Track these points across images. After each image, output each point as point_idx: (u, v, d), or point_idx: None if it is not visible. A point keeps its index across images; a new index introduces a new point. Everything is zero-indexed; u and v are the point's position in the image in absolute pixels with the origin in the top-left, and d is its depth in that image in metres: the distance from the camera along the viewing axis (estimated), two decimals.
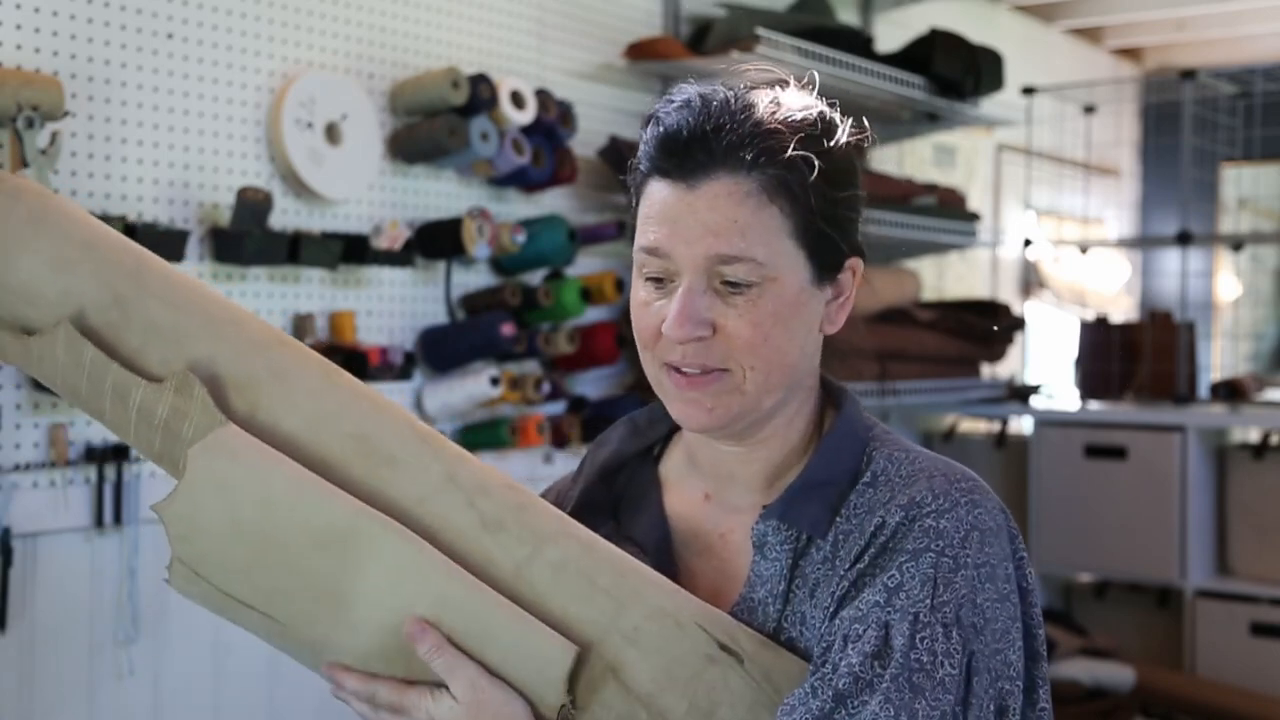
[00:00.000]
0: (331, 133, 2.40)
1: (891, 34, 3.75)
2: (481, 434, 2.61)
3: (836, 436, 1.11)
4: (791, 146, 1.04)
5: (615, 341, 2.79)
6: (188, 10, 2.22)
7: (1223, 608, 3.41)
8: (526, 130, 2.65)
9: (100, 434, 2.11)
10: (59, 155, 1.96)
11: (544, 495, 1.26)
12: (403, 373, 2.46)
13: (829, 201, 1.06)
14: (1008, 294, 4.76)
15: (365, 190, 2.48)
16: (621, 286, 2.82)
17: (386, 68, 2.53)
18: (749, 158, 1.03)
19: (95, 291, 1.06)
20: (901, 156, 4.04)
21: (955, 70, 3.36)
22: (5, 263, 1.06)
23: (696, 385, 1.06)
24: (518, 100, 2.61)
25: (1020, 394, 3.82)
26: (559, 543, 1.05)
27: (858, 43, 3.23)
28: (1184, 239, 3.77)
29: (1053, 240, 5.00)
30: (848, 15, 3.72)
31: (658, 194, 1.06)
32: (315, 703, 2.38)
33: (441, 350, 2.57)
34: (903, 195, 3.45)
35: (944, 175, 4.35)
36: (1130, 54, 5.70)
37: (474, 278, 2.69)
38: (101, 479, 2.09)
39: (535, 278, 2.77)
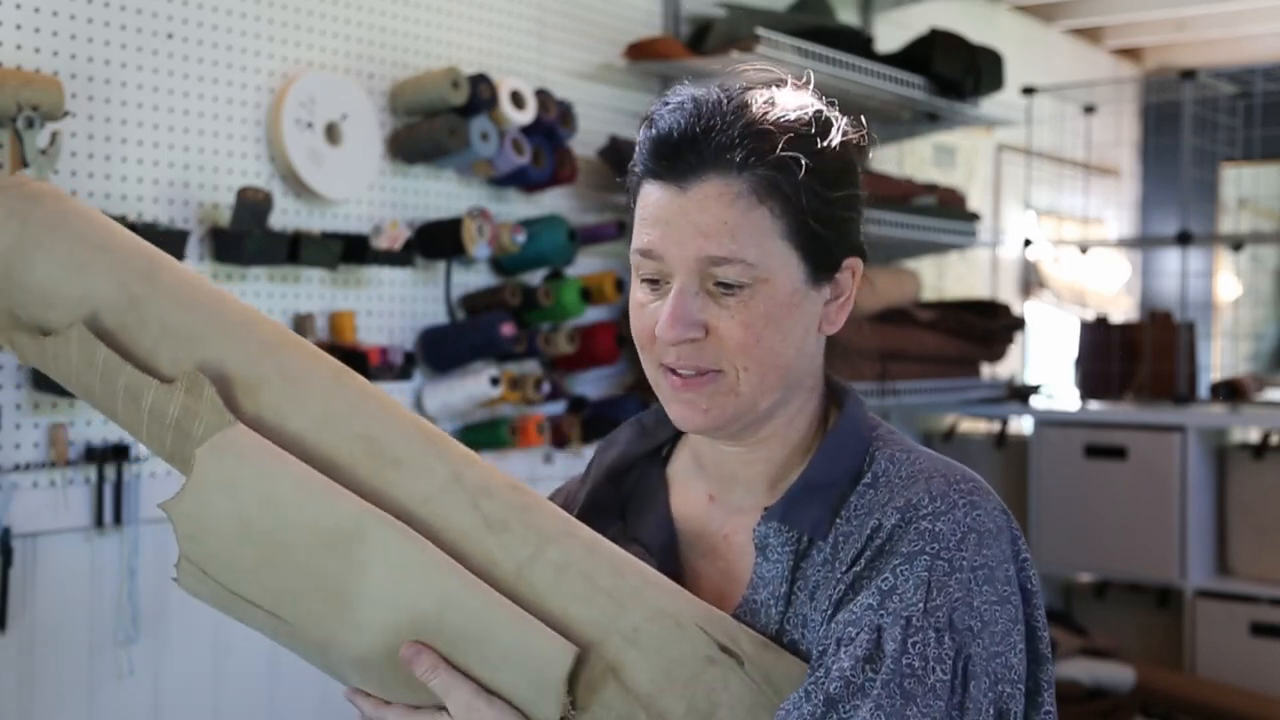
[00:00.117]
0: (331, 133, 2.40)
1: (891, 34, 3.75)
2: (481, 434, 2.61)
3: (838, 437, 1.11)
4: (781, 146, 1.03)
5: (615, 341, 2.78)
6: (188, 10, 2.22)
7: (1223, 608, 3.41)
8: (526, 130, 2.65)
9: (100, 434, 2.11)
10: (59, 155, 1.96)
11: (553, 496, 1.27)
12: (403, 373, 2.46)
13: (823, 202, 1.05)
14: (1008, 294, 4.76)
15: (365, 190, 2.48)
16: (621, 286, 2.82)
17: (386, 68, 2.53)
18: (739, 159, 1.03)
19: (110, 293, 1.08)
20: (901, 156, 4.04)
21: (955, 70, 3.36)
22: (24, 265, 1.08)
23: (691, 386, 1.06)
24: (518, 100, 2.61)
25: (1020, 394, 3.82)
26: (561, 543, 1.05)
27: (858, 43, 3.23)
28: (1184, 239, 3.78)
29: (1053, 240, 5.00)
30: (848, 15, 3.72)
31: (651, 196, 1.07)
32: (315, 703, 2.38)
33: (441, 350, 2.57)
34: (903, 195, 3.45)
35: (944, 175, 4.35)
36: (1130, 54, 5.70)
37: (474, 278, 2.69)
38: (101, 479, 2.09)
39: (535, 278, 2.77)
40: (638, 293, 1.09)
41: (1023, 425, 3.92)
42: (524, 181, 2.70)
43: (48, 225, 1.09)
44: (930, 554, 1.00)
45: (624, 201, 3.26)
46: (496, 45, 2.74)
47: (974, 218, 3.65)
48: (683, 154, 1.04)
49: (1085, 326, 3.97)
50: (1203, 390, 3.93)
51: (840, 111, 1.11)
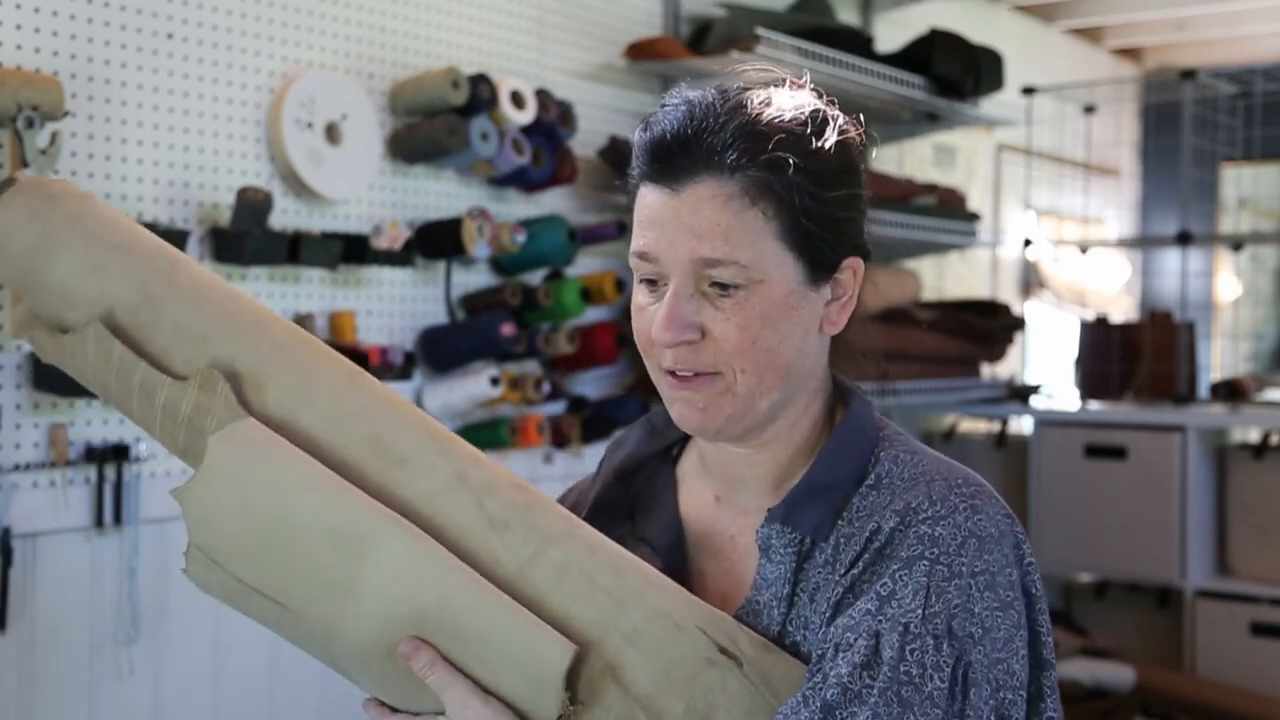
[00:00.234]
0: (331, 133, 2.40)
1: (891, 34, 3.75)
2: (481, 434, 2.61)
3: (842, 438, 1.11)
4: (773, 147, 1.03)
5: (615, 341, 2.78)
6: (188, 10, 2.22)
7: (1223, 608, 3.41)
8: (526, 130, 2.65)
9: (100, 434, 2.11)
10: (59, 155, 1.96)
11: (566, 495, 1.28)
12: (403, 373, 2.46)
13: (818, 202, 1.05)
14: (1008, 294, 4.76)
15: (365, 190, 2.48)
16: (621, 286, 2.82)
17: (386, 68, 2.53)
18: (730, 160, 1.03)
19: (127, 293, 1.10)
20: (901, 156, 4.04)
21: (955, 70, 3.36)
22: (45, 264, 1.10)
23: (689, 385, 1.07)
24: (518, 100, 2.61)
25: (1020, 394, 3.82)
26: (562, 543, 1.06)
27: (858, 43, 3.23)
28: (1184, 239, 3.78)
29: (1053, 240, 5.00)
30: (848, 15, 3.72)
31: (647, 199, 1.07)
32: (315, 703, 2.38)
33: (441, 350, 2.57)
34: (903, 195, 3.45)
35: (944, 175, 4.35)
36: (1130, 54, 5.70)
37: (474, 278, 2.69)
38: (101, 479, 2.09)
39: (535, 278, 2.77)
40: (638, 295, 1.09)
41: (1023, 425, 3.92)
42: (524, 181, 2.70)
43: (68, 225, 1.11)
44: (929, 559, 1.00)
45: (624, 201, 3.26)
46: (496, 45, 2.74)
47: (974, 218, 3.65)
48: (676, 156, 1.04)
49: (1085, 326, 3.97)
50: (1203, 390, 3.93)
51: (841, 110, 1.10)
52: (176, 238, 2.11)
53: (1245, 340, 5.57)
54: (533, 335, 2.61)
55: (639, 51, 2.97)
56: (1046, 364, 4.98)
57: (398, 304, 2.55)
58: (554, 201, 2.84)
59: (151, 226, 2.09)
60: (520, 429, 2.63)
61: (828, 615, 1.03)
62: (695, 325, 1.05)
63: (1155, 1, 4.80)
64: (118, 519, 2.11)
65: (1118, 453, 3.52)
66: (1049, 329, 5.01)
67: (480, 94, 2.51)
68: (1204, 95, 4.21)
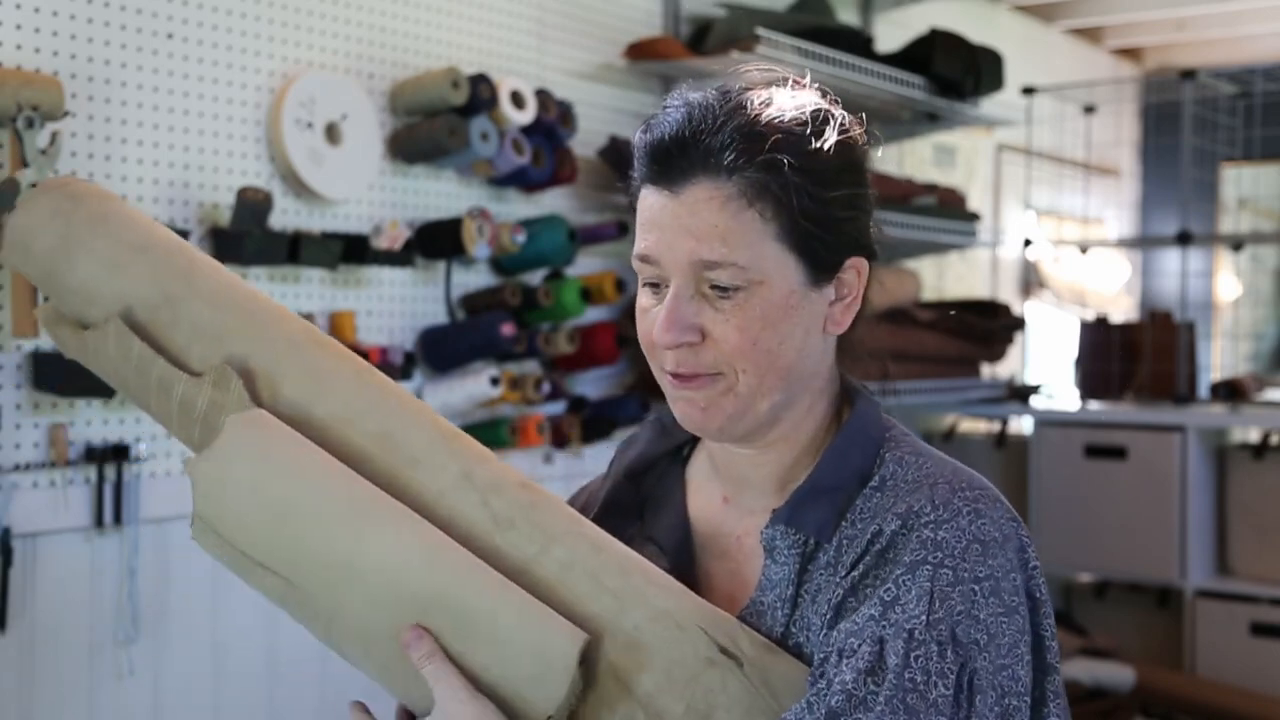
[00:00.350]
0: (331, 133, 2.40)
1: (891, 34, 3.75)
2: (481, 434, 2.61)
3: (846, 438, 1.10)
4: (769, 147, 1.03)
5: (615, 341, 2.79)
6: (188, 10, 2.22)
7: (1223, 608, 3.41)
8: (526, 130, 2.65)
9: (100, 434, 2.11)
10: (59, 155, 1.96)
11: (578, 495, 1.28)
12: (403, 373, 2.46)
13: (818, 202, 1.04)
14: (1008, 294, 4.76)
15: (365, 190, 2.48)
16: (622, 286, 2.82)
17: (386, 68, 2.53)
18: (727, 161, 1.03)
19: (146, 292, 1.12)
20: (901, 156, 4.04)
21: (955, 70, 3.36)
22: (67, 263, 1.13)
23: (690, 384, 1.07)
24: (518, 100, 2.61)
25: (1020, 394, 3.82)
26: (566, 542, 1.06)
27: (858, 43, 3.23)
28: (1184, 239, 3.78)
29: (1053, 240, 5.00)
30: (848, 15, 3.72)
31: (647, 201, 1.07)
32: (315, 702, 2.38)
33: (441, 350, 2.57)
34: (903, 195, 3.45)
35: (944, 175, 4.35)
36: (1130, 54, 5.70)
37: (474, 278, 2.69)
38: (101, 479, 2.09)
39: (535, 278, 2.77)
40: (641, 298, 1.09)
41: (1023, 425, 3.92)
42: (524, 181, 2.70)
43: (90, 225, 1.13)
44: (933, 564, 0.99)
45: (624, 201, 3.25)
46: (496, 45, 2.74)
47: (974, 218, 3.65)
48: (674, 158, 1.04)
49: (1085, 326, 3.97)
50: (1203, 390, 3.93)
51: (844, 110, 1.10)
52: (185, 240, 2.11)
53: (1245, 340, 5.57)
54: (533, 335, 2.61)
55: (639, 51, 2.97)
56: (1046, 364, 4.98)
57: (398, 304, 2.55)
58: (554, 201, 2.84)
59: None
60: (520, 429, 2.63)
61: (828, 617, 1.03)
62: (695, 327, 1.05)
63: (1155, 1, 4.80)
64: (118, 519, 2.11)
65: (1118, 453, 3.52)
66: (1049, 329, 5.01)
67: (480, 94, 2.51)
68: (1204, 95, 4.21)
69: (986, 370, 3.87)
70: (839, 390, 1.15)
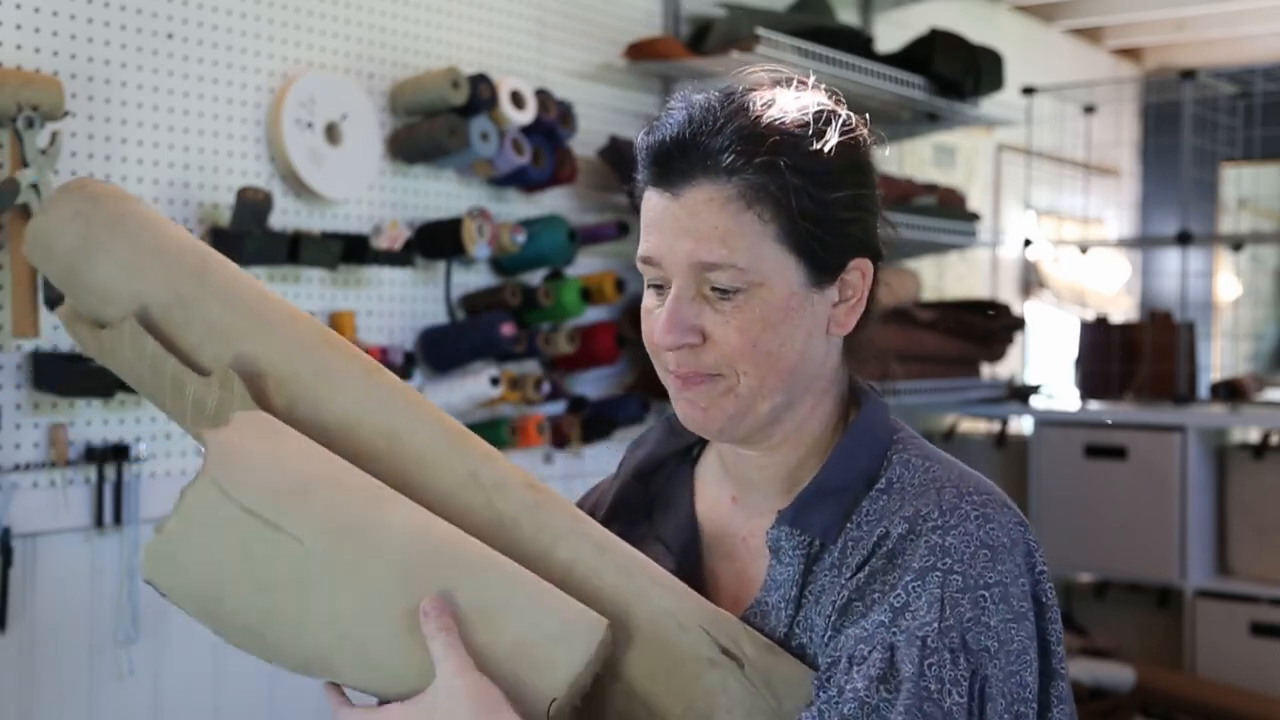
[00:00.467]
0: (331, 133, 2.40)
1: (891, 34, 3.75)
2: (481, 434, 2.58)
3: (852, 440, 1.10)
4: (768, 149, 1.02)
5: (615, 341, 2.79)
6: (188, 10, 2.22)
7: (1223, 608, 3.41)
8: (526, 130, 2.65)
9: (100, 434, 2.11)
10: (59, 155, 1.96)
11: (589, 494, 1.29)
12: (403, 373, 2.46)
13: (818, 203, 1.04)
14: (1008, 294, 4.76)
15: (365, 190, 2.48)
16: (622, 286, 2.82)
17: (386, 68, 2.53)
18: (727, 163, 1.03)
19: (160, 292, 1.14)
20: (901, 156, 4.04)
21: (955, 70, 3.36)
22: (86, 263, 1.15)
23: (691, 385, 1.07)
24: (518, 100, 2.61)
25: (1020, 394, 3.82)
26: (570, 542, 1.07)
27: (858, 43, 3.23)
28: (1184, 239, 3.78)
29: (1053, 240, 5.00)
30: (848, 15, 3.72)
31: (649, 202, 1.08)
32: (315, 703, 2.38)
33: (441, 350, 2.57)
34: (903, 195, 3.45)
35: (944, 175, 4.35)
36: (1130, 54, 5.70)
37: (474, 278, 2.69)
38: (101, 479, 2.09)
39: (535, 278, 2.77)
40: (646, 299, 1.10)
41: (1023, 425, 3.92)
42: (524, 181, 2.70)
43: (108, 226, 1.15)
44: (942, 570, 0.99)
45: (624, 201, 3.25)
46: (496, 45, 2.74)
47: (974, 218, 3.65)
48: (674, 160, 1.04)
49: (1085, 326, 3.97)
50: (1203, 390, 3.93)
51: (848, 109, 1.09)
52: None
53: (1245, 340, 5.57)
54: (533, 335, 2.61)
55: (639, 51, 2.97)
56: (1046, 364, 4.98)
57: (398, 304, 2.55)
58: (554, 201, 2.84)
59: None
60: (520, 429, 2.63)
61: (832, 619, 1.02)
62: (696, 328, 1.05)
63: (1155, 1, 4.80)
64: (118, 519, 2.11)
65: (1118, 453, 3.52)
66: (1049, 329, 5.01)
67: (480, 94, 2.51)
68: (1204, 95, 4.21)
69: (986, 370, 3.87)
70: (846, 391, 1.14)
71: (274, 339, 1.14)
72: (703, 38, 3.01)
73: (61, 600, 2.06)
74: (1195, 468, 3.44)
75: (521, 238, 2.61)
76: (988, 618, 0.98)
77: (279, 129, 2.31)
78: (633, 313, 2.93)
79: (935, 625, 0.97)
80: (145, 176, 2.16)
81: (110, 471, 2.10)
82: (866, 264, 1.10)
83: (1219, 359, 5.29)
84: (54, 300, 1.93)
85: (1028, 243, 4.37)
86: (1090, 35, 5.35)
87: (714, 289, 1.04)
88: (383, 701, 1.01)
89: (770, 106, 1.06)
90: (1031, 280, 4.90)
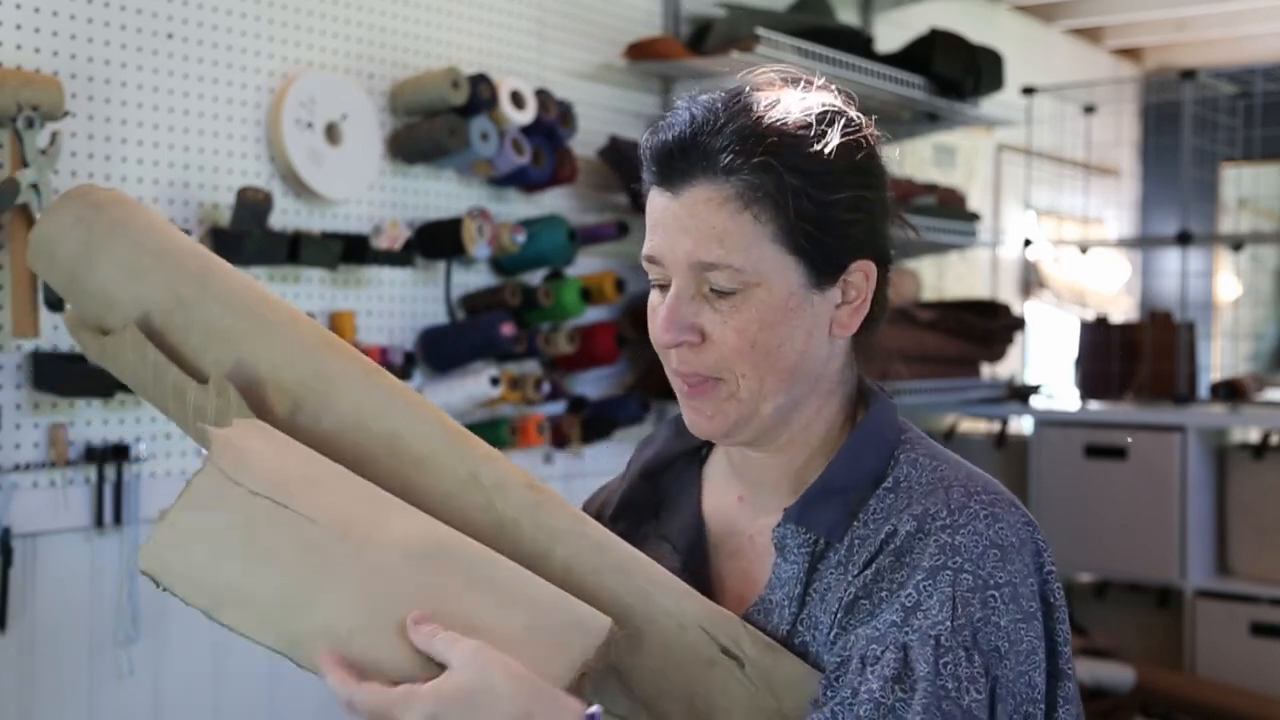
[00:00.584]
0: (331, 133, 2.40)
1: (891, 34, 3.75)
2: (481, 434, 2.58)
3: (859, 439, 1.10)
4: (765, 149, 1.02)
5: (615, 341, 2.79)
6: (188, 10, 2.22)
7: (1223, 608, 3.41)
8: (526, 130, 2.65)
9: (100, 434, 2.11)
10: (59, 155, 1.96)
11: (598, 494, 1.29)
12: (403, 373, 2.46)
13: (817, 205, 1.04)
14: (1008, 294, 4.76)
15: (365, 190, 2.48)
16: (621, 286, 2.82)
17: (386, 68, 2.53)
18: (725, 163, 1.03)
19: (161, 296, 1.15)
20: (901, 156, 4.04)
21: (955, 70, 3.36)
22: (88, 269, 1.15)
23: (697, 393, 1.07)
24: (518, 100, 2.61)
25: (1020, 394, 3.82)
26: (570, 543, 1.07)
27: (858, 43, 3.23)
28: (1184, 239, 3.77)
29: (1053, 240, 5.00)
30: (848, 15, 3.72)
31: (653, 202, 1.08)
32: (315, 703, 2.38)
33: (441, 350, 2.57)
34: (903, 195, 3.44)
35: (944, 175, 4.35)
36: (1130, 54, 5.70)
37: (474, 278, 2.69)
38: (101, 479, 2.09)
39: (535, 278, 2.77)
40: (651, 297, 1.11)
41: (1023, 425, 3.92)
42: (524, 181, 2.70)
43: (110, 231, 1.16)
44: (953, 569, 0.99)
45: (624, 201, 3.25)
46: (496, 45, 2.74)
47: (974, 218, 3.65)
48: (675, 159, 1.05)
49: (1085, 326, 3.97)
50: (1203, 390, 3.93)
51: (858, 110, 1.10)
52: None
53: (1245, 340, 5.57)
54: (533, 335, 2.61)
55: (639, 51, 2.97)
56: (1046, 364, 4.98)
57: (398, 304, 2.55)
58: (554, 201, 2.84)
59: None
60: (520, 429, 2.63)
61: (839, 616, 1.02)
62: (695, 327, 1.05)
63: (1155, 1, 4.80)
64: (118, 519, 2.11)
65: (1118, 453, 3.52)
66: (1049, 329, 5.01)
67: (480, 94, 2.51)
68: (1204, 95, 4.21)
69: (986, 370, 3.87)
70: (854, 392, 1.15)
71: (275, 342, 1.14)
72: (703, 38, 3.01)
73: (61, 600, 2.06)
74: (1195, 468, 3.44)
75: (521, 238, 2.61)
76: (998, 618, 0.98)
77: (279, 129, 2.31)
78: (633, 313, 2.93)
79: (948, 624, 0.97)
80: (145, 176, 2.16)
81: (110, 471, 2.10)
82: (870, 266, 1.09)
83: (1219, 359, 5.29)
84: (54, 301, 1.94)
85: (1028, 243, 4.37)
86: (1090, 35, 5.35)
87: (712, 289, 1.04)
88: (395, 683, 0.98)
89: (773, 107, 1.06)
90: (1031, 280, 4.90)
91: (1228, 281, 5.51)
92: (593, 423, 2.81)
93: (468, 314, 2.65)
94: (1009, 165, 4.74)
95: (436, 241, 2.53)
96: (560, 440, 2.74)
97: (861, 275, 1.09)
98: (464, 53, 2.68)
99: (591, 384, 2.92)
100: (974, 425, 3.96)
